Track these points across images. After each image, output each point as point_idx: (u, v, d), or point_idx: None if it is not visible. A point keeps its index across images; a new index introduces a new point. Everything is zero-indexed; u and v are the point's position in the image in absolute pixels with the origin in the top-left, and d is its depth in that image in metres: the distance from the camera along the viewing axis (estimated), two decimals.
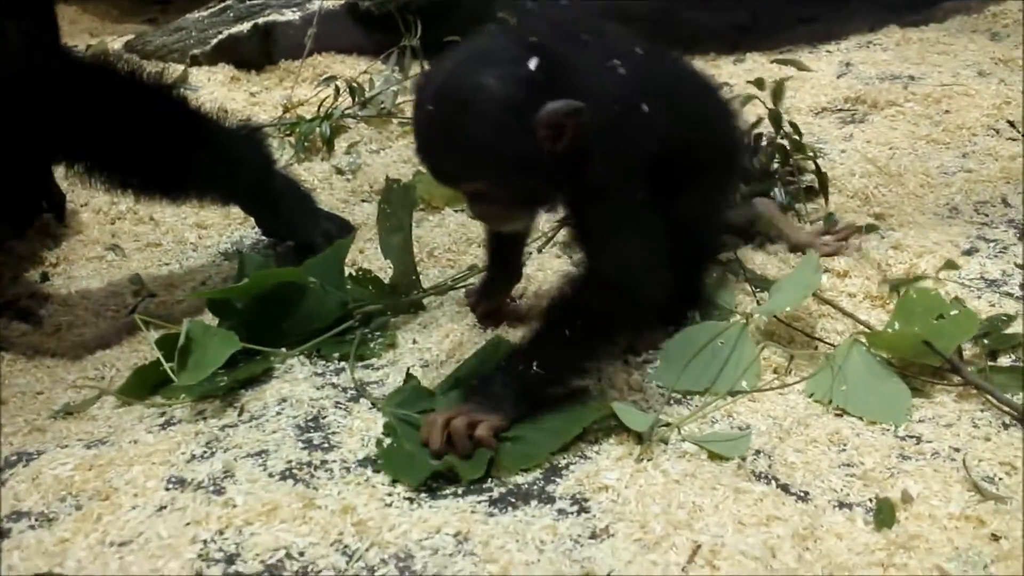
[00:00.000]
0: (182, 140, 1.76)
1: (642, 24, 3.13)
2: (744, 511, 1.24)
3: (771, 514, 1.24)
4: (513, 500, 1.27)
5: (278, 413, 1.46)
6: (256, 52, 2.92)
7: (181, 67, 2.85)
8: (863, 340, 1.55)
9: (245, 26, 2.93)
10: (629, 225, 1.44)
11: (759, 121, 2.15)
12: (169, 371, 1.51)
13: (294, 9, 2.95)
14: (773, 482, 1.32)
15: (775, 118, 2.11)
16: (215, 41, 2.92)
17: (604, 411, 1.40)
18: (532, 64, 1.36)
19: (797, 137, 2.11)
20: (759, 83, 2.16)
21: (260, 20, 2.93)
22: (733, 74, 2.79)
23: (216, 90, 2.77)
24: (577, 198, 1.47)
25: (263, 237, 2.09)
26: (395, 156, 2.45)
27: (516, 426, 1.38)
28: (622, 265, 1.44)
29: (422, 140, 1.44)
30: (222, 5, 3.03)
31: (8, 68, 1.54)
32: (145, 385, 1.56)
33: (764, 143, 2.13)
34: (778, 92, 2.13)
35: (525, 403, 1.40)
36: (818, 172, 2.06)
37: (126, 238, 2.16)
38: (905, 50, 2.86)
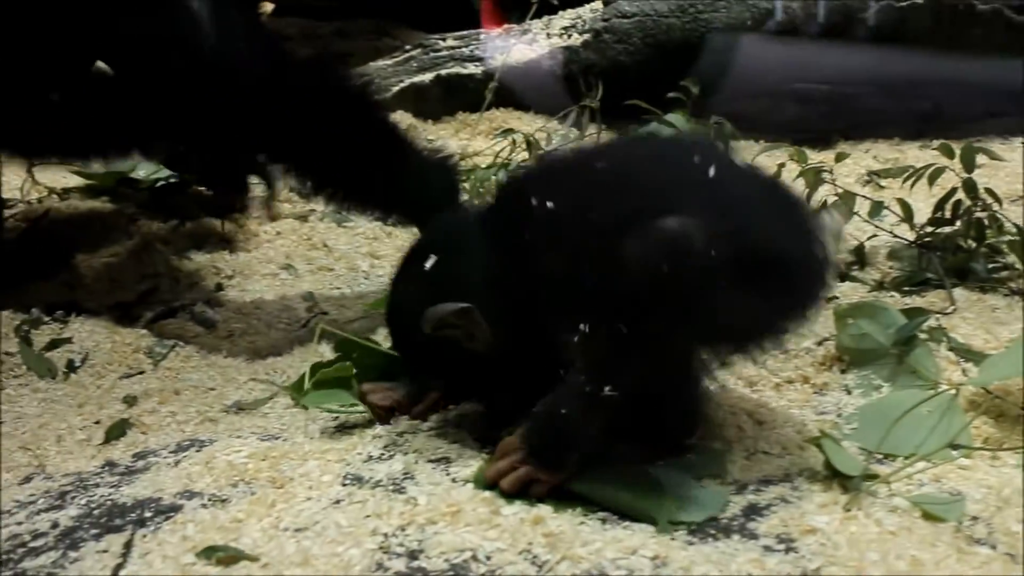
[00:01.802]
0: (380, 153, 1.76)
1: (820, 108, 3.08)
2: (970, 572, 1.12)
3: None
4: (713, 532, 1.17)
5: (458, 426, 1.40)
6: (436, 102, 2.98)
7: None
8: None
9: (427, 76, 2.99)
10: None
11: (953, 191, 2.04)
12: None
13: (476, 63, 2.99)
14: (997, 548, 1.19)
15: (970, 187, 2.00)
16: (396, 89, 2.99)
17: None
18: (429, 264, 1.31)
19: (995, 206, 1.99)
20: (947, 150, 2.05)
21: (443, 72, 2.99)
22: (919, 159, 2.67)
23: None
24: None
25: None
26: None
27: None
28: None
29: None
30: (406, 55, 3.09)
31: (229, 60, 1.57)
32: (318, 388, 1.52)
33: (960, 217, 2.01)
34: (968, 158, 2.01)
35: (589, 456, 1.21)
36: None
37: (299, 260, 2.19)
38: None
